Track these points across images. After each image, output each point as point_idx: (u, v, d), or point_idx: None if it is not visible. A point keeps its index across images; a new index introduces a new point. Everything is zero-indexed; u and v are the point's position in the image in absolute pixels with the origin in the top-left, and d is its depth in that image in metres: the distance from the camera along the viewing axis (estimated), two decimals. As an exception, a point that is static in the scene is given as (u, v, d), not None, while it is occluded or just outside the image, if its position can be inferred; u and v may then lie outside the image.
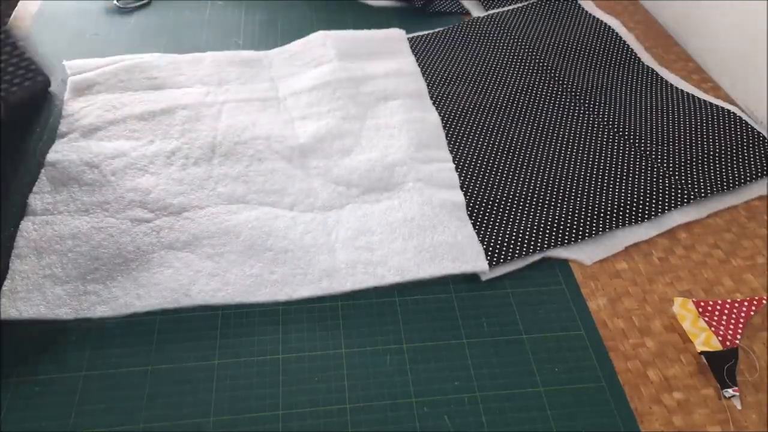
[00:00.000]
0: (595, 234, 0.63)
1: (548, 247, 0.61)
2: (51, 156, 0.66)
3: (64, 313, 0.54)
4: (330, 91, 0.77)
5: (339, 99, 0.75)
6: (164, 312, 0.55)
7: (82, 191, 0.63)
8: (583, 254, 0.62)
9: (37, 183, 0.64)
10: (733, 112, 0.78)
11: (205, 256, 0.58)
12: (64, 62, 0.81)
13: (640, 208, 0.65)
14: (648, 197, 0.66)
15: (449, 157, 0.70)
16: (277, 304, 0.56)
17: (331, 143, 0.70)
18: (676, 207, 0.66)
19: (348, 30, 0.89)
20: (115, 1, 0.97)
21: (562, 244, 0.62)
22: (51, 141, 0.69)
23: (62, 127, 0.70)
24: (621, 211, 0.65)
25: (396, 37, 0.89)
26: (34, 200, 0.62)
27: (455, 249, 0.60)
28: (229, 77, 0.80)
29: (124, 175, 0.64)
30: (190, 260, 0.58)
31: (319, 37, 0.87)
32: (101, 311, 0.54)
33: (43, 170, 0.65)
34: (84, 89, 0.76)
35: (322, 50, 0.84)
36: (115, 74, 0.78)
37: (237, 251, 0.59)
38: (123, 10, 0.96)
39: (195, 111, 0.73)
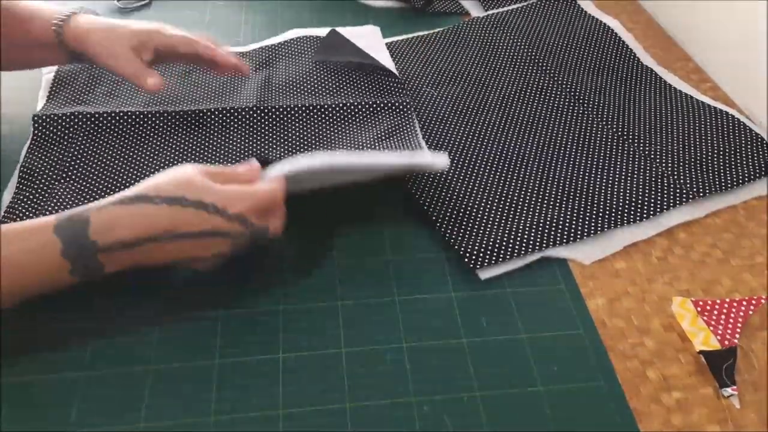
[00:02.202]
0: (593, 233, 0.63)
1: (547, 247, 0.61)
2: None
3: None
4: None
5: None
6: (165, 312, 0.55)
7: None
8: (582, 254, 0.62)
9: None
10: (732, 115, 0.78)
11: None
12: None
13: (639, 208, 0.66)
14: (647, 197, 0.67)
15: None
16: (277, 304, 0.56)
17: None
18: (674, 207, 0.66)
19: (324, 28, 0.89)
20: (115, 2, 0.97)
21: (561, 244, 0.62)
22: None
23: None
24: (620, 210, 0.65)
25: (370, 33, 0.89)
26: None
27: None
28: None
29: None
30: None
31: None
32: None
33: None
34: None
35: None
36: None
37: None
38: (123, 11, 0.96)
39: None
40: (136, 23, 0.66)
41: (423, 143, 0.69)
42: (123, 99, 0.75)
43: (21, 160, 0.67)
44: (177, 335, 0.54)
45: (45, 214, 0.59)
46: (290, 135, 0.71)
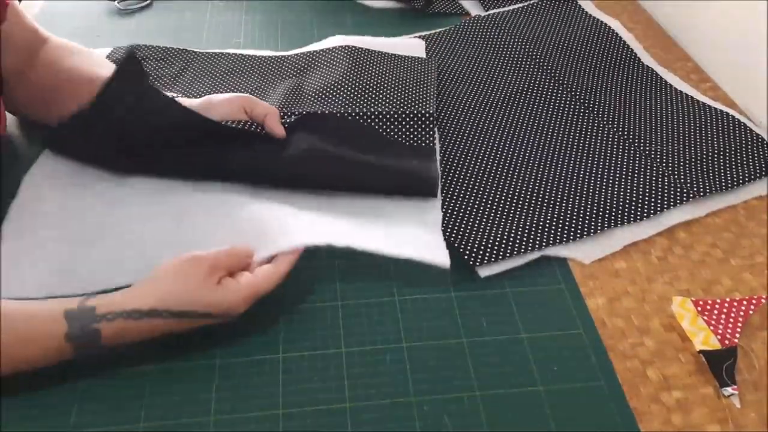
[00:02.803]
0: (593, 233, 0.63)
1: (547, 245, 0.61)
2: None
3: None
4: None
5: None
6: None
7: None
8: (582, 253, 0.62)
9: None
10: (732, 115, 0.78)
11: None
12: None
13: (639, 207, 0.66)
14: (647, 196, 0.67)
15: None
16: (277, 304, 0.56)
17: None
18: (675, 206, 0.66)
19: (367, 36, 0.87)
20: (116, 3, 0.97)
21: (561, 243, 0.62)
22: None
23: None
24: (620, 210, 0.65)
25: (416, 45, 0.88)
26: None
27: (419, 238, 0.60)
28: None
29: None
30: None
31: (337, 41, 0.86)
32: None
33: None
34: None
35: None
36: None
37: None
38: (124, 12, 0.97)
39: None
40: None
41: (437, 159, 0.68)
42: None
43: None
44: (176, 336, 0.54)
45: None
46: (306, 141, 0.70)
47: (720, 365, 0.52)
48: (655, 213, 0.65)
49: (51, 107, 0.68)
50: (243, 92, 0.79)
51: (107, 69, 0.70)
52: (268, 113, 0.66)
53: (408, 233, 0.60)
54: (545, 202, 0.66)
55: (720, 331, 0.54)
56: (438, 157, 0.68)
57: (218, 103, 0.68)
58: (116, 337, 0.49)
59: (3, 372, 0.48)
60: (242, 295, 0.51)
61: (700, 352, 0.53)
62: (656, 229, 0.65)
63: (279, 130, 0.66)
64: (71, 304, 0.49)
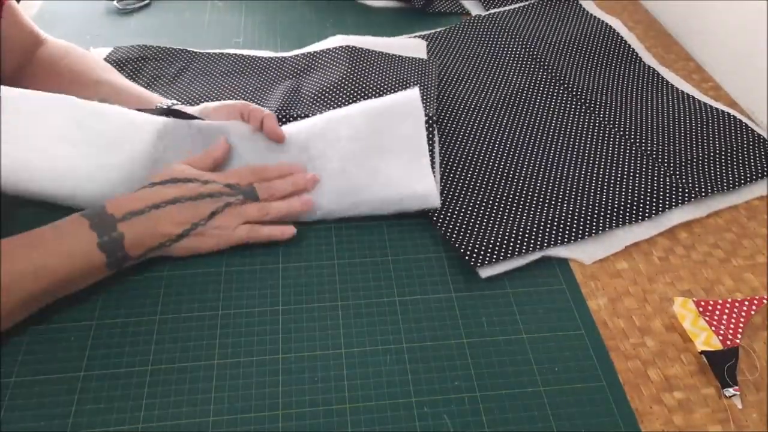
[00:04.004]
0: (595, 233, 0.63)
1: (548, 246, 0.61)
2: None
3: None
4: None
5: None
6: (163, 312, 0.55)
7: None
8: (583, 253, 0.62)
9: None
10: (733, 115, 0.78)
11: None
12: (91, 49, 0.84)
13: (641, 208, 0.65)
14: (648, 196, 0.66)
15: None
16: (276, 304, 0.56)
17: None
18: (676, 206, 0.66)
19: (368, 36, 0.87)
20: (115, 3, 0.97)
21: (562, 243, 0.62)
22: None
23: None
24: (621, 210, 0.65)
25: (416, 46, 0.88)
26: None
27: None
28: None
29: None
30: None
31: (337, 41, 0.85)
32: None
33: None
34: None
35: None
36: None
37: None
38: (123, 12, 0.96)
39: None
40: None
41: (437, 163, 0.68)
42: (156, 94, 0.75)
43: None
44: (176, 335, 0.54)
45: None
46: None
47: (721, 366, 0.52)
48: (656, 213, 0.65)
49: None
50: (243, 93, 0.79)
51: (104, 71, 0.70)
52: (266, 116, 0.66)
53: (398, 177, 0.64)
54: (546, 203, 0.66)
55: (721, 332, 0.54)
56: (438, 161, 0.68)
57: (215, 110, 0.68)
58: (127, 215, 0.54)
59: (49, 295, 0.52)
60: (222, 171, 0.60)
61: (702, 352, 0.53)
62: (658, 229, 0.64)
63: (278, 133, 0.66)
64: (89, 216, 0.54)
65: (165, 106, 0.66)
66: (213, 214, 0.58)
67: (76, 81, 0.68)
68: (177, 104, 0.68)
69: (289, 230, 0.61)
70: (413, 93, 0.69)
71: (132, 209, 0.55)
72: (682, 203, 0.66)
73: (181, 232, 0.56)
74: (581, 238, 0.62)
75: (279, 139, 0.66)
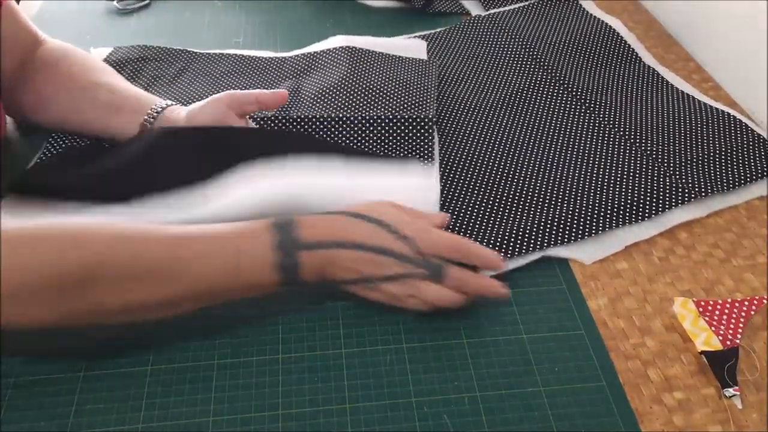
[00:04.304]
0: (595, 233, 0.63)
1: (548, 246, 0.61)
2: None
3: None
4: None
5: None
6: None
7: None
8: (583, 253, 0.62)
9: None
10: (733, 115, 0.78)
11: None
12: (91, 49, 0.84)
13: (641, 208, 0.65)
14: (648, 196, 0.66)
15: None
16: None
17: None
18: (676, 206, 0.66)
19: (369, 37, 0.87)
20: (115, 3, 0.97)
21: (562, 243, 0.62)
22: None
23: None
24: (621, 210, 0.65)
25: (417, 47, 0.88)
26: None
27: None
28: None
29: None
30: None
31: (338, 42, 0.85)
32: None
33: None
34: None
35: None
36: None
37: None
38: (123, 12, 0.96)
39: None
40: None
41: (437, 164, 0.68)
42: (156, 94, 0.75)
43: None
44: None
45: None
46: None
47: (721, 366, 0.52)
48: (657, 213, 0.65)
49: (46, 112, 0.68)
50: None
51: (102, 74, 0.70)
52: (257, 95, 0.65)
53: None
54: (546, 203, 0.66)
55: (721, 332, 0.54)
56: (437, 164, 0.68)
57: (201, 111, 0.65)
58: (313, 245, 0.51)
59: (206, 297, 0.50)
60: (420, 226, 0.54)
61: (702, 352, 0.53)
62: (658, 229, 0.64)
63: (276, 98, 0.65)
64: (278, 228, 0.51)
65: (161, 107, 0.66)
66: (388, 279, 0.53)
67: (75, 83, 0.68)
68: (174, 104, 0.68)
69: (461, 300, 0.54)
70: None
71: (320, 240, 0.51)
72: (683, 203, 0.66)
73: (349, 280, 0.53)
74: (581, 238, 0.62)
75: (283, 99, 0.65)
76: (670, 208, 0.66)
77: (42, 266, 0.45)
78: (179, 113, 0.66)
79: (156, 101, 0.67)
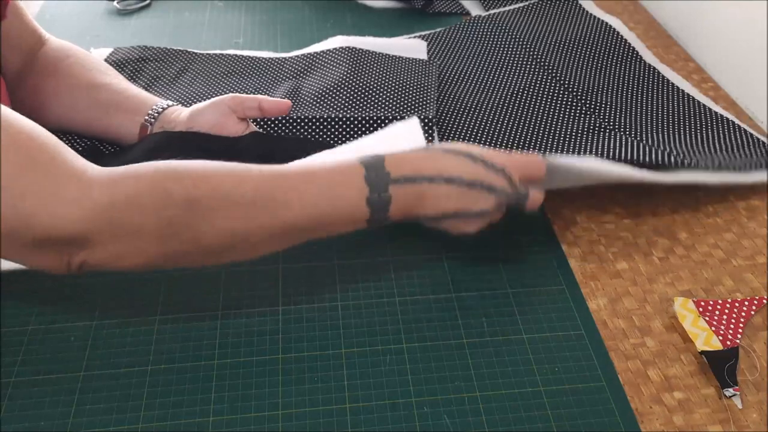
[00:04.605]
0: None
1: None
2: None
3: None
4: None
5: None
6: (163, 312, 0.55)
7: None
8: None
9: None
10: (731, 120, 0.77)
11: None
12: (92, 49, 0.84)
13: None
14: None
15: None
16: (277, 304, 0.56)
17: None
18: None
19: (369, 37, 0.87)
20: (115, 3, 0.97)
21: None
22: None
23: None
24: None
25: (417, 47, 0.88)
26: None
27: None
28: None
29: None
30: None
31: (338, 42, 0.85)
32: None
33: None
34: None
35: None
36: None
37: None
38: (123, 12, 0.97)
39: None
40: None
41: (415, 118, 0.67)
42: (156, 94, 0.76)
43: None
44: (176, 335, 0.54)
45: None
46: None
47: (721, 366, 0.52)
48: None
49: (47, 111, 0.67)
50: (242, 93, 0.78)
51: (102, 75, 0.69)
52: (260, 100, 0.65)
53: None
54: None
55: (721, 332, 0.54)
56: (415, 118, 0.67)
57: (202, 111, 0.65)
58: (401, 179, 0.50)
59: (301, 233, 0.50)
60: (507, 158, 0.54)
61: (702, 352, 0.53)
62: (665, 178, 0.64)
63: (280, 107, 0.65)
64: (367, 165, 0.50)
65: (161, 108, 0.66)
66: (478, 214, 0.53)
67: (75, 82, 0.68)
68: (174, 105, 0.68)
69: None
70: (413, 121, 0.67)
71: (408, 175, 0.51)
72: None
73: (439, 216, 0.53)
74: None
75: (286, 108, 0.65)
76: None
77: (145, 202, 0.45)
78: (179, 114, 0.66)
79: (157, 101, 0.67)
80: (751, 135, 0.75)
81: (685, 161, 0.67)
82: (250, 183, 0.48)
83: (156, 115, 0.66)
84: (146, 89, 0.76)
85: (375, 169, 0.50)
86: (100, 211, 0.44)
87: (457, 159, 0.52)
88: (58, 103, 0.67)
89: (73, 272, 0.46)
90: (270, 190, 0.48)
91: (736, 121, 0.78)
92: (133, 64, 0.82)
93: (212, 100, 0.66)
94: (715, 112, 0.79)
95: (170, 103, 0.68)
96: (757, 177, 0.69)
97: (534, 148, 0.73)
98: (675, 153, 0.72)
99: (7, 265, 0.52)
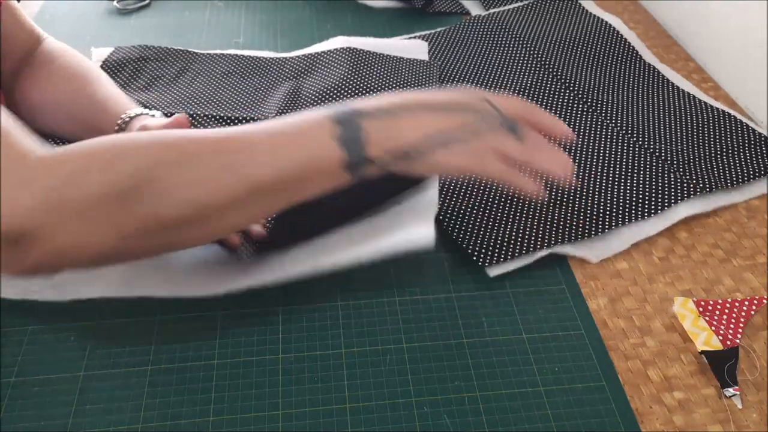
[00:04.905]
0: (602, 231, 0.63)
1: (555, 244, 0.61)
2: None
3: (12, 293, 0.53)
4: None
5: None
6: (164, 312, 0.55)
7: None
8: (590, 252, 0.61)
9: None
10: (733, 115, 0.78)
11: None
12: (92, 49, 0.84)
13: (646, 204, 0.65)
14: (653, 193, 0.66)
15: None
16: (276, 304, 0.56)
17: None
18: (681, 200, 0.66)
19: (370, 37, 0.87)
20: (115, 3, 0.97)
21: (570, 241, 0.62)
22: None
23: None
24: (627, 207, 0.65)
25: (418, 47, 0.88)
26: None
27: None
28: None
29: None
30: None
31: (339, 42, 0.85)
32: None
33: None
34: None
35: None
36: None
37: None
38: (123, 12, 0.96)
39: None
40: None
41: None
42: (157, 94, 0.76)
43: None
44: (176, 335, 0.54)
45: None
46: None
47: (721, 366, 0.52)
48: (662, 209, 0.65)
49: (38, 118, 0.66)
50: (243, 93, 0.78)
51: (86, 83, 0.68)
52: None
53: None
54: (552, 201, 0.66)
55: (722, 332, 0.54)
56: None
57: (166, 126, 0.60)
58: (375, 112, 0.47)
59: (276, 194, 0.46)
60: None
61: (702, 352, 0.53)
62: (664, 224, 0.64)
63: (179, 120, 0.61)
64: (332, 109, 0.47)
65: (129, 117, 0.63)
66: (467, 130, 0.48)
67: (60, 87, 0.67)
68: (148, 112, 0.65)
69: (543, 193, 0.50)
70: None
71: (379, 106, 0.47)
72: (687, 198, 0.66)
73: (425, 140, 0.47)
74: (588, 236, 0.62)
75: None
76: (675, 203, 0.65)
77: (91, 178, 0.42)
78: (152, 123, 0.62)
79: (127, 109, 0.64)
80: (753, 130, 0.75)
81: (683, 162, 0.67)
82: (206, 142, 0.44)
83: (123, 126, 0.63)
84: (146, 89, 0.76)
85: (343, 109, 0.47)
86: (47, 193, 0.41)
87: (431, 92, 0.50)
88: (44, 111, 0.66)
89: (26, 270, 0.44)
90: (229, 146, 0.45)
91: (737, 115, 0.78)
92: (133, 63, 0.82)
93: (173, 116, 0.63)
94: (716, 108, 0.79)
95: (143, 110, 0.65)
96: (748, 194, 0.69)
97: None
98: (673, 153, 0.72)
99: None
